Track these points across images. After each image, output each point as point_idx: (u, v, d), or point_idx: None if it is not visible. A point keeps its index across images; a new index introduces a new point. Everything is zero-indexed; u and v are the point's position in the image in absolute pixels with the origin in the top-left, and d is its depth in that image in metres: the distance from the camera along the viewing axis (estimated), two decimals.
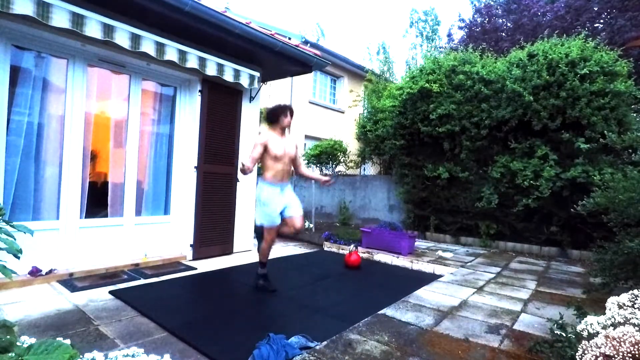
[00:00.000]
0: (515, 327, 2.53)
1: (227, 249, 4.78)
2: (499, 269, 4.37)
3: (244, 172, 3.04)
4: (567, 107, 5.05)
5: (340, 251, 5.37)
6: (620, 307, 1.74)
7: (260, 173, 3.36)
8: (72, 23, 3.00)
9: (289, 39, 5.79)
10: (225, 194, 4.74)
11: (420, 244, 5.93)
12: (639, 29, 9.22)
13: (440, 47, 12.62)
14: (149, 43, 3.52)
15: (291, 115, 3.39)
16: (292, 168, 3.52)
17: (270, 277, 3.43)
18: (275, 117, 3.34)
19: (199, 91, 4.43)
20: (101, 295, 2.97)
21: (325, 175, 8.56)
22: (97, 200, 3.98)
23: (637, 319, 1.61)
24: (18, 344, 1.08)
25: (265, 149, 3.23)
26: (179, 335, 2.29)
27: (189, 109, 4.54)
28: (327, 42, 18.44)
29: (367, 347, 2.09)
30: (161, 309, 2.74)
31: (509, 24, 12.01)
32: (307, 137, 11.70)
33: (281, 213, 3.28)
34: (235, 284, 3.64)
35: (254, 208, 5.19)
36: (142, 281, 3.43)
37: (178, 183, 4.52)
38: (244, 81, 4.52)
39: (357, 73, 12.72)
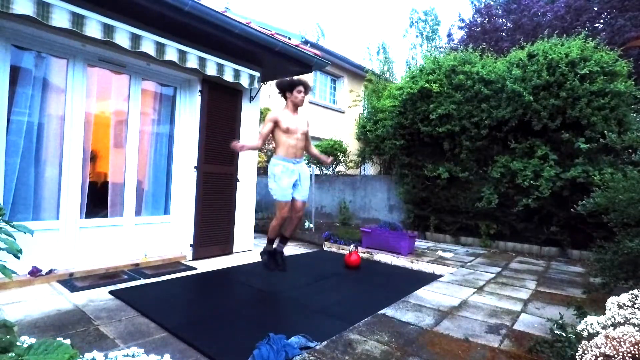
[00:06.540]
0: (515, 327, 2.53)
1: (227, 249, 4.77)
2: (499, 269, 4.37)
3: (237, 148, 3.21)
4: (567, 107, 5.05)
5: (340, 251, 5.37)
6: (620, 307, 1.74)
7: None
8: (72, 23, 3.00)
9: (289, 39, 5.79)
10: (225, 194, 4.74)
11: (420, 244, 5.93)
12: (639, 29, 9.22)
13: (440, 47, 12.64)
14: (149, 43, 3.52)
15: (305, 91, 3.34)
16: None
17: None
18: (286, 88, 3.30)
19: (199, 91, 4.43)
20: (101, 295, 2.97)
21: (325, 175, 8.91)
22: (97, 200, 3.98)
23: (637, 319, 1.61)
24: (18, 344, 1.08)
25: (277, 125, 3.23)
26: (179, 335, 2.29)
27: (189, 109, 4.54)
28: (327, 42, 18.47)
29: (367, 347, 2.09)
30: (161, 309, 2.74)
31: (509, 24, 12.01)
32: None
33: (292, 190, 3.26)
34: (235, 284, 3.64)
35: (255, 207, 5.23)
36: (142, 281, 3.44)
37: (178, 183, 4.52)
38: (244, 81, 4.52)
39: (357, 73, 12.71)
